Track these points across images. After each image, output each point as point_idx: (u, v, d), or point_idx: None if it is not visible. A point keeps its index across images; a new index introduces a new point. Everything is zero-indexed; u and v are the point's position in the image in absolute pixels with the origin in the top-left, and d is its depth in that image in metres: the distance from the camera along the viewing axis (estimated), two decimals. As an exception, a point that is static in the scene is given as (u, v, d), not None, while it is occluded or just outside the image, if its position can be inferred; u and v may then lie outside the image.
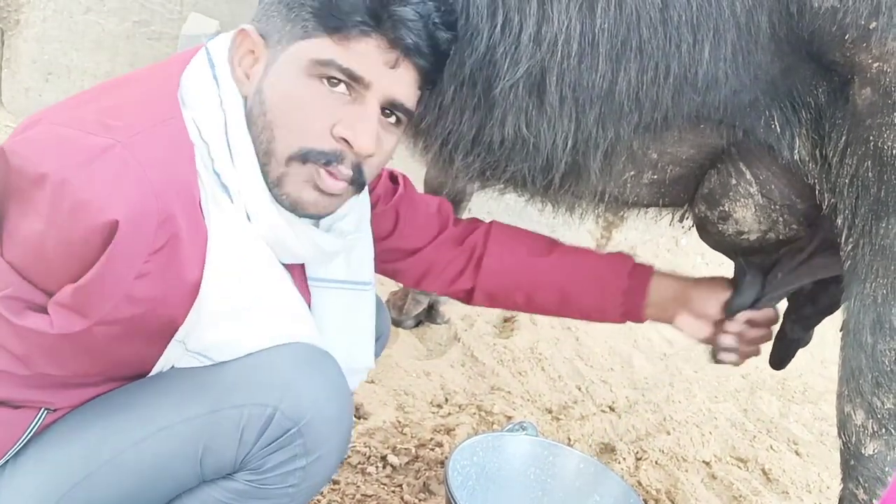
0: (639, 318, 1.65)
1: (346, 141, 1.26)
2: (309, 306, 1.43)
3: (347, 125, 1.25)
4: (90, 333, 1.18)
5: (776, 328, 1.88)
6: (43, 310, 1.18)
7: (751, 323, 1.61)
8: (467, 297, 1.70)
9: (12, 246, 1.18)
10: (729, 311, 1.61)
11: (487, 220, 1.73)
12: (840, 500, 1.52)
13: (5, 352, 1.20)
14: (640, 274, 1.63)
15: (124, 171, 1.12)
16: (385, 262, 1.65)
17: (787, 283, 1.61)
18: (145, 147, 1.15)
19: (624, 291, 1.62)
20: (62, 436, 1.27)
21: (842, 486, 1.50)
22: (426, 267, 1.66)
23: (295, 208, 1.29)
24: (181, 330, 1.25)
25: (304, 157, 1.25)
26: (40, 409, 1.26)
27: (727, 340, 1.61)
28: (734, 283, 1.64)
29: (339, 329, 1.48)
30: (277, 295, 1.32)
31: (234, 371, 1.28)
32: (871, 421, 1.40)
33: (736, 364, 1.67)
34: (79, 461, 1.26)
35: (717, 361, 1.67)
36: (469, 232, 1.67)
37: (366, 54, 1.24)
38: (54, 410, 1.28)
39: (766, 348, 1.93)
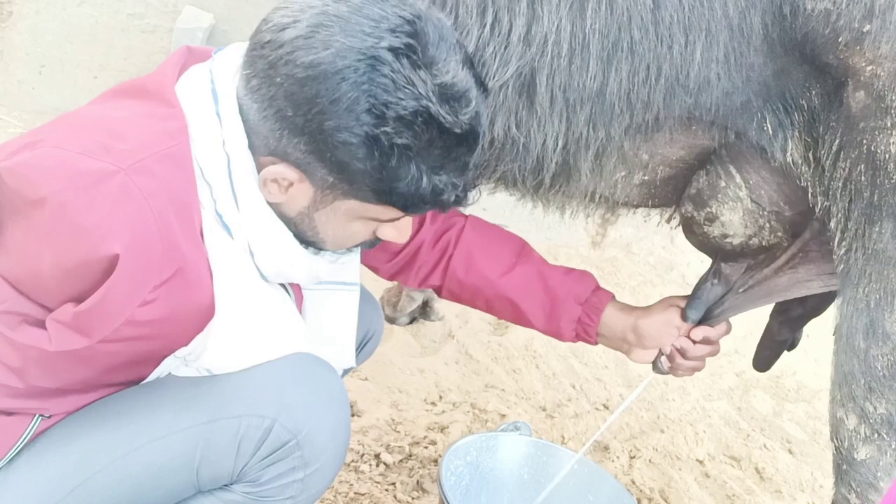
0: (592, 343, 1.68)
1: None
2: (300, 307, 1.43)
3: (390, 230, 1.31)
4: (89, 348, 1.16)
5: (761, 331, 1.88)
6: (40, 324, 1.17)
7: (703, 340, 1.62)
8: (437, 292, 1.73)
9: (7, 260, 1.16)
10: (684, 318, 1.62)
11: (485, 216, 1.73)
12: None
13: (1, 365, 1.19)
14: (596, 303, 1.63)
15: (126, 200, 1.10)
16: (366, 258, 1.65)
17: (746, 301, 1.62)
18: (148, 175, 1.12)
19: (576, 319, 1.64)
20: (56, 443, 1.26)
21: (834, 490, 1.50)
22: (402, 265, 1.67)
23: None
24: (182, 350, 1.24)
25: (348, 251, 1.36)
26: (34, 415, 1.25)
27: (668, 351, 1.63)
28: (694, 290, 1.65)
29: (325, 328, 1.48)
30: (281, 322, 1.32)
31: (232, 382, 1.27)
32: (863, 426, 1.39)
33: (676, 375, 1.69)
34: (73, 469, 1.24)
35: (656, 371, 1.68)
36: (444, 230, 1.67)
37: None
38: (49, 417, 1.26)
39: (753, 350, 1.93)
